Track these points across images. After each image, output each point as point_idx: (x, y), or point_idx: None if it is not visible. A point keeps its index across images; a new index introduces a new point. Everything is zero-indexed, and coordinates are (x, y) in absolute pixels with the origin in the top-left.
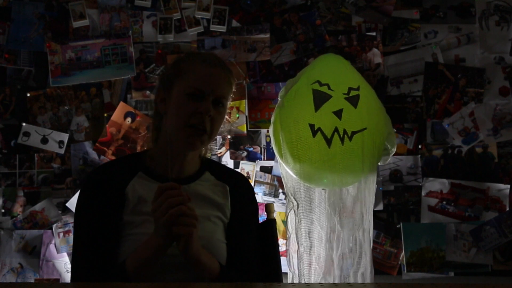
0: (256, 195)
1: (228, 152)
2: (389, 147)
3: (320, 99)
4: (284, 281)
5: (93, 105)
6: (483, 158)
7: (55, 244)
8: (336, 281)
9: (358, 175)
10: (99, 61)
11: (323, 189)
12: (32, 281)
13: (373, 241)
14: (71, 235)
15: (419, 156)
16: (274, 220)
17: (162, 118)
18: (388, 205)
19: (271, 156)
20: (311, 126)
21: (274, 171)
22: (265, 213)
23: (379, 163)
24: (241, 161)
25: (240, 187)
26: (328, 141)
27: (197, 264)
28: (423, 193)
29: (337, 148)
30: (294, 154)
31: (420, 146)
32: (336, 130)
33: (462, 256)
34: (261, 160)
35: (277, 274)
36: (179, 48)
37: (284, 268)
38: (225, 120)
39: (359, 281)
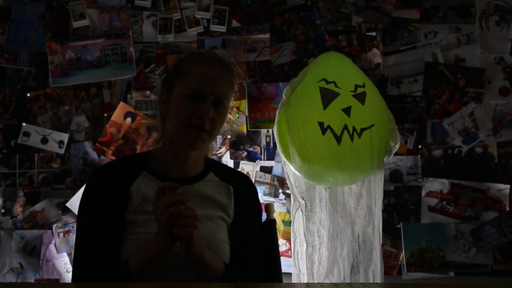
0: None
1: (228, 152)
2: (392, 143)
3: (328, 96)
4: (284, 281)
5: (93, 105)
6: (483, 158)
7: (55, 244)
8: (348, 280)
9: (367, 172)
10: (99, 61)
11: (328, 188)
12: (32, 281)
13: None
14: (71, 235)
15: (419, 156)
16: (274, 220)
17: (165, 119)
18: (388, 205)
19: (271, 156)
20: (320, 124)
21: (274, 171)
22: (265, 213)
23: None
24: (241, 161)
25: (244, 187)
26: (338, 139)
27: (202, 263)
28: (423, 193)
29: (346, 145)
30: (303, 153)
31: (420, 146)
32: (345, 127)
33: (462, 256)
34: (261, 160)
35: (277, 274)
36: (179, 48)
37: (284, 268)
38: (227, 119)
39: (370, 278)
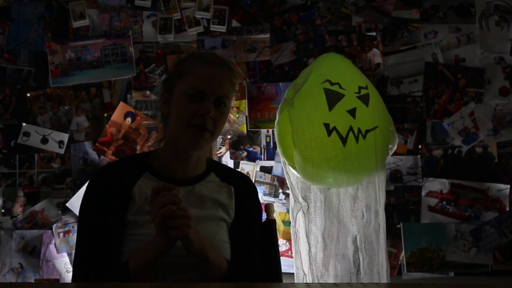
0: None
1: (228, 152)
2: (391, 145)
3: (333, 98)
4: (284, 281)
5: (93, 105)
6: (483, 158)
7: (55, 244)
8: (354, 280)
9: (371, 173)
10: (99, 61)
11: (328, 189)
12: (32, 281)
13: None
14: (71, 235)
15: (419, 156)
16: (274, 220)
17: (167, 119)
18: (388, 205)
19: (271, 156)
20: (326, 125)
21: (274, 171)
22: (265, 213)
23: None
24: (241, 161)
25: (244, 188)
26: (343, 140)
27: (205, 261)
28: (423, 193)
29: (352, 147)
30: (308, 155)
31: (420, 146)
32: (351, 129)
33: (462, 256)
34: (261, 160)
35: (277, 274)
36: (179, 48)
37: (284, 268)
38: (229, 118)
39: (375, 278)
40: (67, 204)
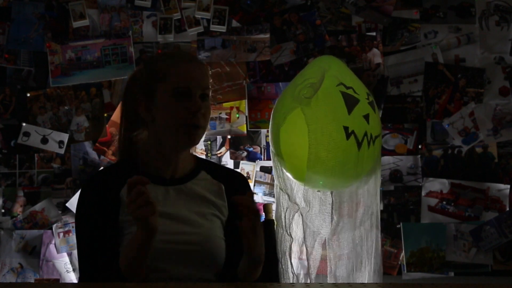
0: (255, 195)
1: (228, 152)
2: None
3: (350, 102)
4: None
5: (93, 105)
6: (483, 158)
7: (55, 244)
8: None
9: (371, 177)
10: (99, 61)
11: (318, 191)
12: (32, 281)
13: None
14: (71, 235)
15: (419, 156)
16: (273, 220)
17: (138, 127)
18: (388, 205)
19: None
20: (345, 128)
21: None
22: (264, 213)
23: None
24: (241, 161)
25: (236, 184)
26: (359, 145)
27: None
28: (423, 193)
29: (364, 151)
30: (323, 156)
31: (420, 146)
32: (365, 134)
33: (462, 256)
34: (261, 160)
35: (276, 274)
36: (179, 48)
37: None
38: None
39: (372, 279)
40: (67, 204)
